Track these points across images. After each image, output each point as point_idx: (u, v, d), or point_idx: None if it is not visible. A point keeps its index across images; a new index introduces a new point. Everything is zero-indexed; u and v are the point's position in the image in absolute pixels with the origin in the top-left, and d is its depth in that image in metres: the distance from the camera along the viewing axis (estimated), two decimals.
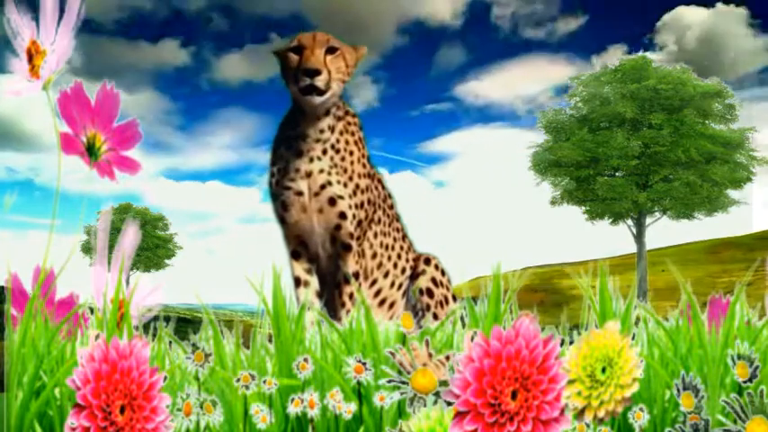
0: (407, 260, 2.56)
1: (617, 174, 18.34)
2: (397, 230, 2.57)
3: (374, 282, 2.47)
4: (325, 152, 2.34)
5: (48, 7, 1.26)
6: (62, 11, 1.27)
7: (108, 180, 1.28)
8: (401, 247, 2.56)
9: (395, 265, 2.52)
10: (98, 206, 1.43)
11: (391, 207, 2.58)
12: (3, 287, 1.31)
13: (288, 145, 2.35)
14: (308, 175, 2.32)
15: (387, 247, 2.50)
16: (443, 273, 2.58)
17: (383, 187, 2.55)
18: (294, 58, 2.29)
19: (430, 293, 2.51)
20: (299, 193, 2.32)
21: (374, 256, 2.46)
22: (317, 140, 2.33)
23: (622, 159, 17.77)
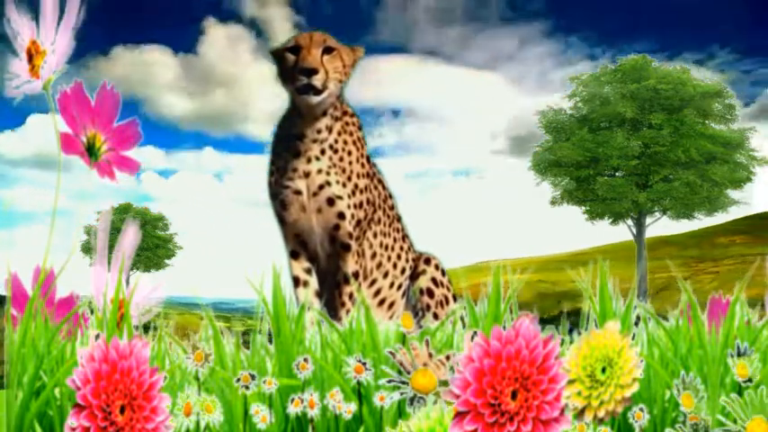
0: (407, 260, 2.56)
1: (617, 174, 18.35)
2: (397, 231, 2.57)
3: (373, 282, 2.47)
4: (323, 152, 2.34)
5: (48, 7, 1.26)
6: (62, 11, 1.27)
7: (108, 180, 1.28)
8: (401, 248, 2.56)
9: (394, 266, 2.52)
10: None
11: (392, 207, 2.58)
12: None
13: (286, 145, 2.36)
14: (307, 175, 2.33)
15: (386, 248, 2.50)
16: (444, 273, 2.58)
17: (384, 187, 2.55)
18: (291, 57, 2.29)
19: (430, 293, 2.51)
20: (298, 192, 2.33)
21: (374, 256, 2.46)
22: (315, 141, 2.34)
23: (622, 159, 17.78)
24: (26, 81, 1.25)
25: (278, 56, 2.34)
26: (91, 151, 1.27)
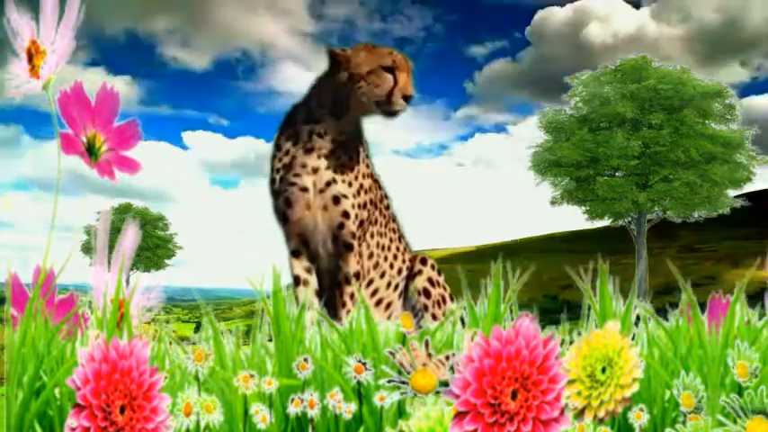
0: (404, 261, 2.56)
1: (617, 174, 18.38)
2: (394, 231, 2.57)
3: (370, 282, 2.47)
4: (333, 151, 2.34)
5: (48, 7, 1.26)
6: (62, 11, 1.27)
7: (108, 180, 1.28)
8: (397, 248, 2.55)
9: (391, 266, 2.52)
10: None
11: (387, 207, 2.57)
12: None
13: (296, 140, 2.35)
14: (315, 171, 2.32)
15: (383, 248, 2.50)
16: (440, 272, 2.58)
17: (380, 187, 2.55)
18: (387, 77, 2.27)
19: (427, 293, 2.51)
20: (304, 189, 2.32)
21: (371, 256, 2.46)
22: (333, 140, 2.34)
23: (622, 159, 17.80)
24: (26, 81, 1.25)
25: (373, 72, 2.29)
26: (91, 151, 1.27)
